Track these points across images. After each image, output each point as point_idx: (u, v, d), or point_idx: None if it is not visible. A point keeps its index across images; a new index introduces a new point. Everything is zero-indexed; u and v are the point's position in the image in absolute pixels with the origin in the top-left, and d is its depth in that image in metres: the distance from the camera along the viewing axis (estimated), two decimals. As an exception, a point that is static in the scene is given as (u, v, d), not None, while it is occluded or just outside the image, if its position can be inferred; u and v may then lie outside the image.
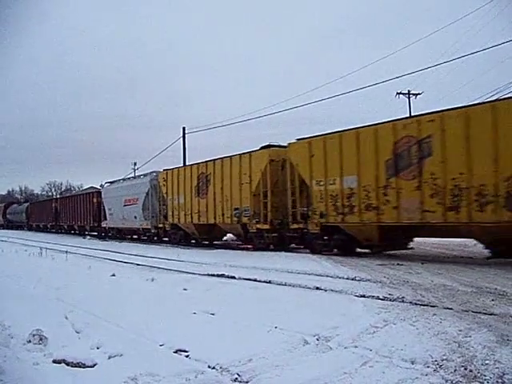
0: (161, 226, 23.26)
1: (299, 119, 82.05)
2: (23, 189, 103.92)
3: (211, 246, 20.65)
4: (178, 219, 21.77)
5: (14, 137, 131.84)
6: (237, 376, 4.28)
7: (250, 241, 18.03)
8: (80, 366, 4.58)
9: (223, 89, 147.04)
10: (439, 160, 11.63)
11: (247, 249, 17.91)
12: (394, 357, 4.59)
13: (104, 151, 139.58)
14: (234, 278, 10.69)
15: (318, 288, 8.79)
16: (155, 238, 24.61)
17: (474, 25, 50.72)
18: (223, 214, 18.95)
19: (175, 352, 5.02)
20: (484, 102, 11.02)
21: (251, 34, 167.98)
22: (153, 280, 10.46)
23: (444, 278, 9.42)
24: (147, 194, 24.60)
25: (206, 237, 21.44)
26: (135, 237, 27.60)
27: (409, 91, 36.13)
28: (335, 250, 14.72)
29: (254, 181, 17.37)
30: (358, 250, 14.84)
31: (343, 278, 9.99)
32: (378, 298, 7.64)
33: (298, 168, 15.50)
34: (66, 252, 17.54)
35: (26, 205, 53.77)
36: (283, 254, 15.62)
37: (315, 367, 4.41)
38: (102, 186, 34.02)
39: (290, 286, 9.32)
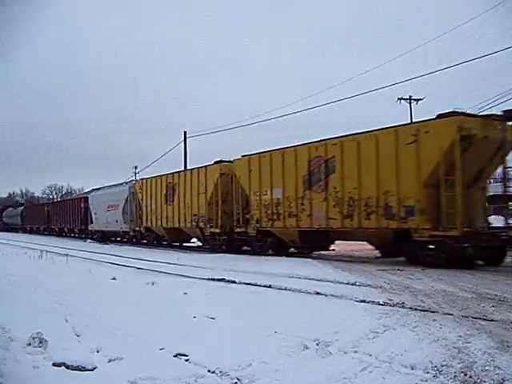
0: (137, 228, 26.51)
1: (300, 123, 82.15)
2: (24, 191, 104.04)
3: (203, 250, 20.78)
4: (151, 223, 24.93)
5: (16, 139, 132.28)
6: (236, 380, 4.27)
7: (207, 243, 20.96)
8: (80, 370, 4.57)
9: (225, 92, 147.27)
10: (340, 176, 14.54)
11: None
12: (394, 362, 4.59)
13: (105, 154, 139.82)
14: (234, 282, 10.68)
15: (318, 293, 8.78)
16: (134, 240, 27.68)
17: (476, 31, 50.86)
18: (185, 220, 21.96)
19: (175, 356, 5.01)
20: (371, 130, 13.99)
21: (251, 36, 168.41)
22: (153, 284, 10.45)
23: (444, 283, 9.42)
24: (126, 200, 27.79)
25: (175, 239, 24.42)
26: (118, 238, 31.22)
27: (410, 96, 36.23)
28: (270, 250, 17.56)
29: (208, 191, 20.14)
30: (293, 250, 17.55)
31: (343, 283, 9.99)
32: (378, 303, 7.64)
33: (241, 180, 18.49)
34: (67, 255, 17.53)
35: (21, 208, 56.74)
36: (284, 258, 15.67)
37: (315, 372, 4.41)
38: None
39: (290, 290, 9.31)
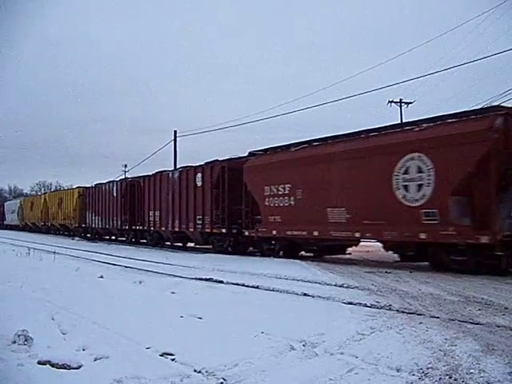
0: (22, 224, 37.45)
1: (293, 124, 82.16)
2: (12, 188, 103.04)
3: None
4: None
5: (8, 135, 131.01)
6: (222, 380, 4.27)
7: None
8: (65, 368, 4.53)
9: (220, 93, 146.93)
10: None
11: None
12: (380, 364, 4.61)
13: (96, 152, 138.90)
14: (221, 282, 10.67)
15: (305, 294, 8.80)
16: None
17: (467, 35, 51.32)
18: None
19: (161, 355, 5.00)
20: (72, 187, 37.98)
21: (248, 39, 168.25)
22: (141, 283, 10.41)
23: (432, 286, 9.47)
24: (19, 207, 50.20)
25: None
26: (15, 229, 51.25)
27: (400, 100, 36.45)
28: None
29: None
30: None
31: (331, 284, 10.01)
32: (365, 305, 7.67)
33: (48, 204, 37.84)
34: (54, 253, 17.38)
35: None
36: (272, 259, 15.67)
37: (301, 373, 4.42)
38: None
39: (277, 291, 9.33)
